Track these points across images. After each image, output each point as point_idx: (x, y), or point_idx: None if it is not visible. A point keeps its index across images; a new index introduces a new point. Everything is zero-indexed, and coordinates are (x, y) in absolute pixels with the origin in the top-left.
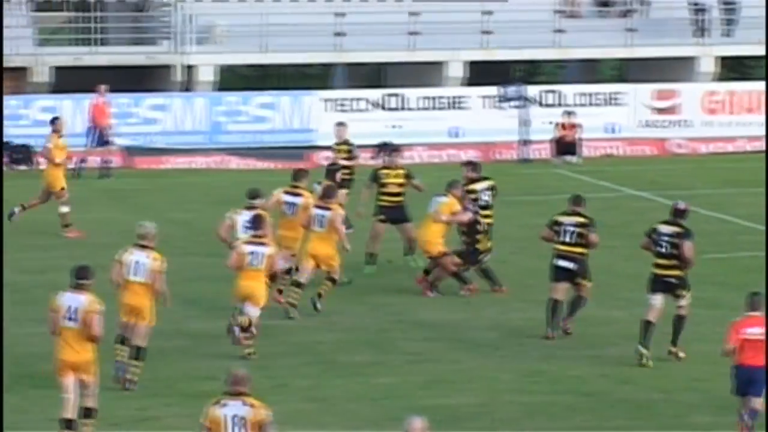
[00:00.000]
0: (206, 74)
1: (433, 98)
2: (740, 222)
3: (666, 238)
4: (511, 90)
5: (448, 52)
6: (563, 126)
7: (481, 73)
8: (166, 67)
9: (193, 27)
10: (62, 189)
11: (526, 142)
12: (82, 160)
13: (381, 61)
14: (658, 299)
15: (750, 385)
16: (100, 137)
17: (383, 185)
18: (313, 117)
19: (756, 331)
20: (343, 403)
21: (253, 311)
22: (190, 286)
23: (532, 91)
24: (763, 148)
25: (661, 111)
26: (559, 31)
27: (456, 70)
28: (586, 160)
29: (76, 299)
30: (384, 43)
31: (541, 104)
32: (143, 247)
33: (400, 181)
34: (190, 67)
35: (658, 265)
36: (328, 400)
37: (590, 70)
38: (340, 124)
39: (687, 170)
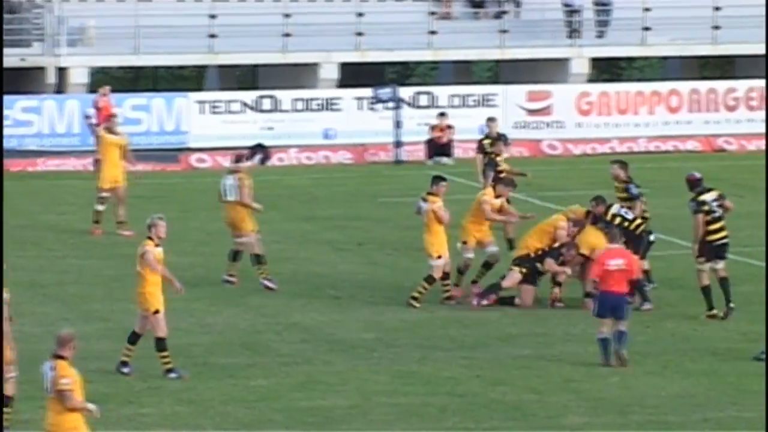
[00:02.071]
0: (79, 76)
1: (307, 100)
2: None
3: (716, 204)
4: (385, 92)
5: (321, 54)
6: (437, 128)
7: (354, 75)
8: (39, 69)
9: (65, 29)
10: None
11: (399, 144)
12: None
13: (254, 62)
14: (720, 264)
15: (614, 310)
16: None
17: None
18: (186, 119)
19: (616, 262)
20: (217, 405)
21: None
22: (66, 288)
23: (406, 92)
24: (637, 148)
25: (534, 112)
26: (433, 32)
27: (329, 72)
28: (460, 161)
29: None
30: (257, 44)
31: (414, 106)
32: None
33: None
34: (62, 69)
35: (716, 231)
36: (202, 402)
37: (464, 72)
38: None
39: (560, 171)
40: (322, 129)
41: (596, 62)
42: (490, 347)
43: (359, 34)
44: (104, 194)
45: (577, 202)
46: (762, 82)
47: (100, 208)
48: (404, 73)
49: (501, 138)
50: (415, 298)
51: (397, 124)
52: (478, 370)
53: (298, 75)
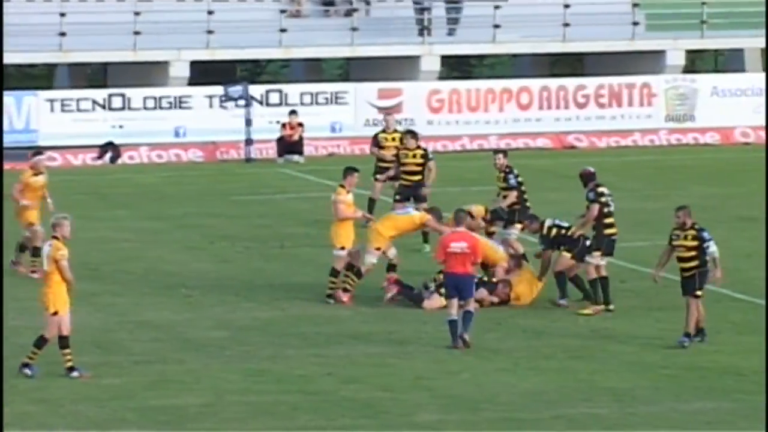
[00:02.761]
0: None
1: (158, 98)
2: None
3: (611, 198)
4: (235, 89)
5: (171, 52)
6: (287, 125)
7: (205, 73)
8: None
9: None
10: None
11: (250, 142)
12: None
13: (105, 60)
14: (605, 261)
15: (459, 290)
16: None
17: None
18: (36, 117)
19: (459, 245)
20: (69, 404)
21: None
22: None
23: (256, 90)
24: (488, 146)
25: (384, 110)
26: (283, 30)
27: (180, 70)
28: (311, 159)
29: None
30: (107, 42)
31: (265, 104)
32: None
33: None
34: None
35: (611, 225)
36: (53, 401)
37: (314, 70)
38: None
39: None
40: (173, 127)
41: (447, 60)
42: (343, 345)
43: (210, 32)
44: None
45: (433, 201)
46: (612, 79)
47: None
48: (255, 71)
49: (410, 133)
50: (346, 290)
51: (248, 122)
52: (330, 367)
53: (149, 73)
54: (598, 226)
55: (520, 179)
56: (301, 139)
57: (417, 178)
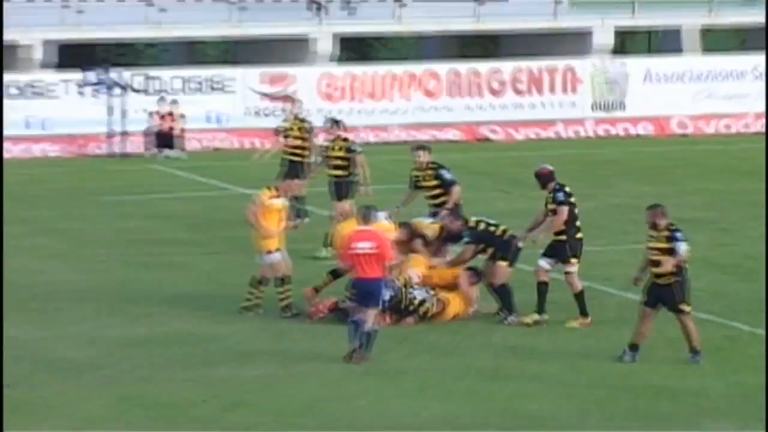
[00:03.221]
0: None
1: (9, 85)
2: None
3: (573, 199)
4: (98, 75)
5: (30, 32)
6: (160, 115)
7: (66, 55)
8: None
9: None
10: None
11: (114, 135)
12: None
13: None
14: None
15: (367, 297)
16: None
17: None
18: None
19: (365, 246)
20: None
21: None
22: None
23: (124, 75)
24: (390, 138)
25: (271, 97)
26: (153, 5)
27: (35, 52)
28: (190, 153)
29: None
30: None
31: (134, 90)
32: None
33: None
34: None
35: (580, 228)
36: None
37: (192, 52)
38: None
39: None
40: (24, 117)
41: (343, 41)
42: (226, 365)
43: (66, 7)
44: None
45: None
46: (531, 63)
47: None
48: (123, 53)
49: (335, 123)
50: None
51: (113, 112)
52: (212, 391)
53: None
54: (570, 230)
55: (452, 176)
56: (182, 131)
57: (340, 172)
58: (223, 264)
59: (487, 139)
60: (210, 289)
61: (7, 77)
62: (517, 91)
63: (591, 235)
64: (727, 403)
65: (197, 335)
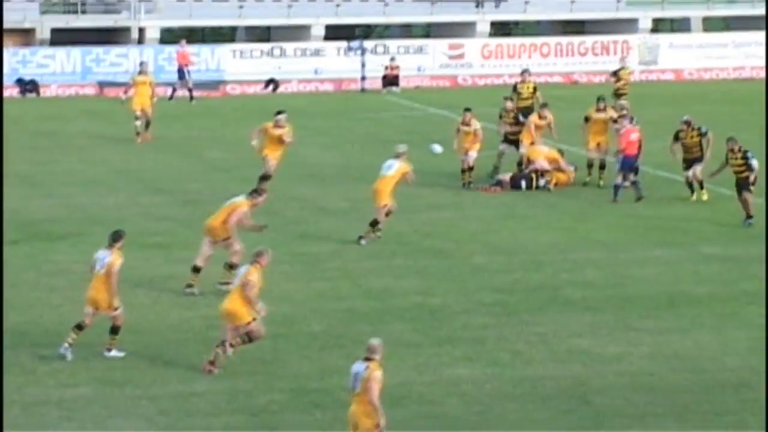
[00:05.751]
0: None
1: (303, 49)
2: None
3: None
4: (355, 43)
5: (311, 19)
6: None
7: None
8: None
9: None
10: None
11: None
12: None
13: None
14: None
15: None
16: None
17: None
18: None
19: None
20: None
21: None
22: None
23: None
24: None
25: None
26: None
27: (318, 30)
28: None
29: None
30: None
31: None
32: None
33: None
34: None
35: None
36: None
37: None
38: None
39: None
40: (313, 68)
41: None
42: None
43: (338, 5)
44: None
45: None
46: (604, 37)
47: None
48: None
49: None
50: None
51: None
52: None
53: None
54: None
55: None
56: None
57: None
58: None
59: (575, 82)
60: None
61: (305, 45)
62: (596, 55)
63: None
64: None
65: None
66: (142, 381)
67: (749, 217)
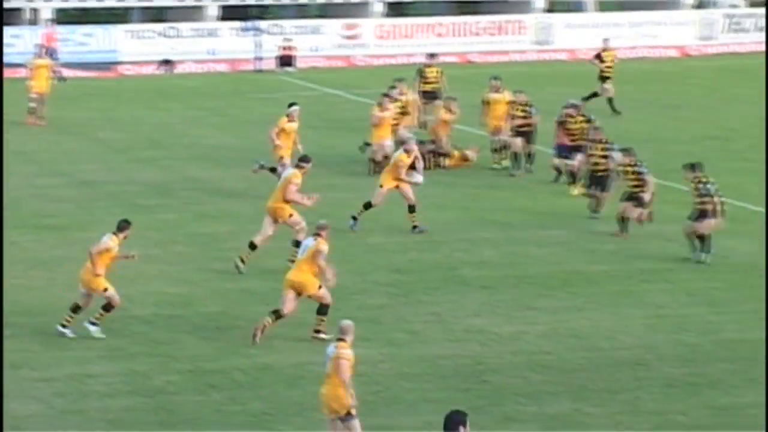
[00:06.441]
0: None
1: (199, 29)
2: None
3: None
4: (249, 24)
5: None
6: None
7: (231, 12)
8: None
9: None
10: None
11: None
12: None
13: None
14: None
15: None
16: None
17: None
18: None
19: None
20: None
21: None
22: None
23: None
24: None
25: None
26: None
27: (212, 11)
28: None
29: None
30: None
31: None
32: None
33: None
34: None
35: None
36: None
37: None
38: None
39: None
40: (206, 49)
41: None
42: None
43: None
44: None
45: None
46: (499, 17)
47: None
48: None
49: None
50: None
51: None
52: None
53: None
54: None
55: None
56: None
57: None
58: None
59: (470, 62)
60: None
61: (199, 25)
62: (491, 35)
63: None
64: None
65: None
66: (38, 363)
67: (595, 211)
